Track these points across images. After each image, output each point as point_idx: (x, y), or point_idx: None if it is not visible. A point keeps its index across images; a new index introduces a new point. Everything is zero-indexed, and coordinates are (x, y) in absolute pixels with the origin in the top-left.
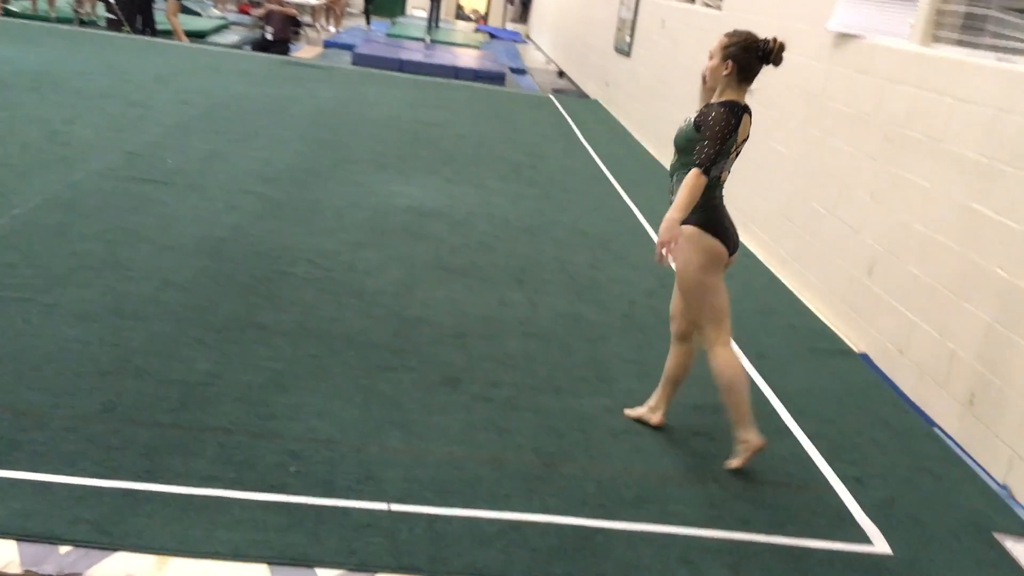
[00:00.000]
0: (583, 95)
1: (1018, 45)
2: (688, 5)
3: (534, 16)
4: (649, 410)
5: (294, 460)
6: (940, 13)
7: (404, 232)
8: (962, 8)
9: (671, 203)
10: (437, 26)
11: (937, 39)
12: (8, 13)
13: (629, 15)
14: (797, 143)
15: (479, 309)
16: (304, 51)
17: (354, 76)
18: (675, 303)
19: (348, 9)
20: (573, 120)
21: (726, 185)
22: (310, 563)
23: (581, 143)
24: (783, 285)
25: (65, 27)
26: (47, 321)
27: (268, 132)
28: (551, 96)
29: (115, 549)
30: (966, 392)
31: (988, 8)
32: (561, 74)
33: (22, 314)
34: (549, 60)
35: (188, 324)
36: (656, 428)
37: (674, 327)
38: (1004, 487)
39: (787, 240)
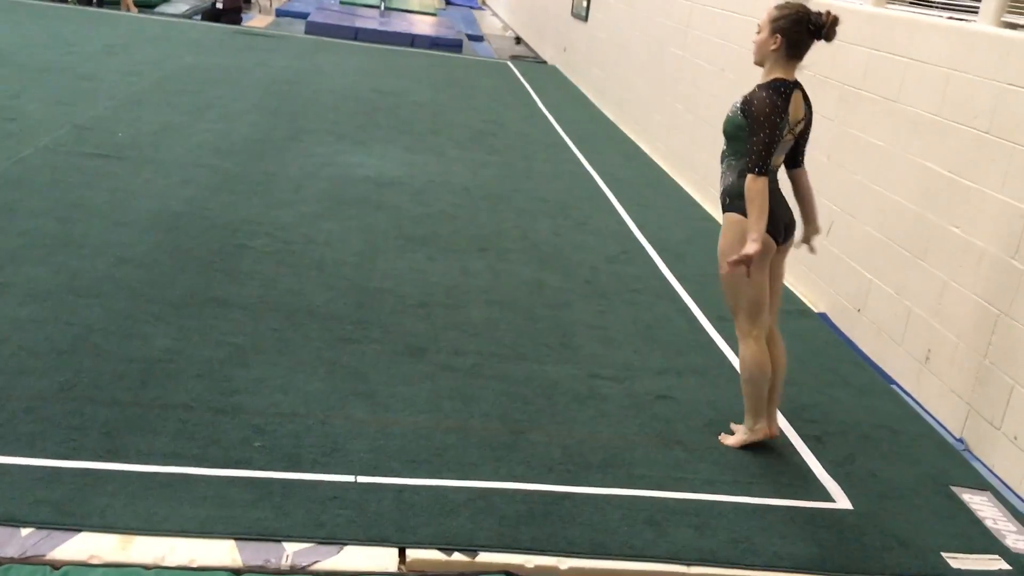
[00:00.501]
0: (541, 61)
1: (970, 4)
2: None
3: None
4: (759, 431)
5: (258, 435)
6: None
7: (364, 202)
8: None
9: (722, 189)
10: None
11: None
12: None
13: None
14: None
15: (442, 278)
16: (256, 20)
17: (308, 45)
18: (745, 287)
19: None
20: (532, 87)
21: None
22: (277, 537)
23: (540, 110)
24: None
25: None
26: None
27: (222, 103)
28: (509, 63)
29: (78, 529)
30: (922, 349)
31: None
32: (519, 40)
33: None
34: (506, 26)
35: (145, 300)
36: (772, 437)
37: (757, 320)
38: (960, 440)
39: None
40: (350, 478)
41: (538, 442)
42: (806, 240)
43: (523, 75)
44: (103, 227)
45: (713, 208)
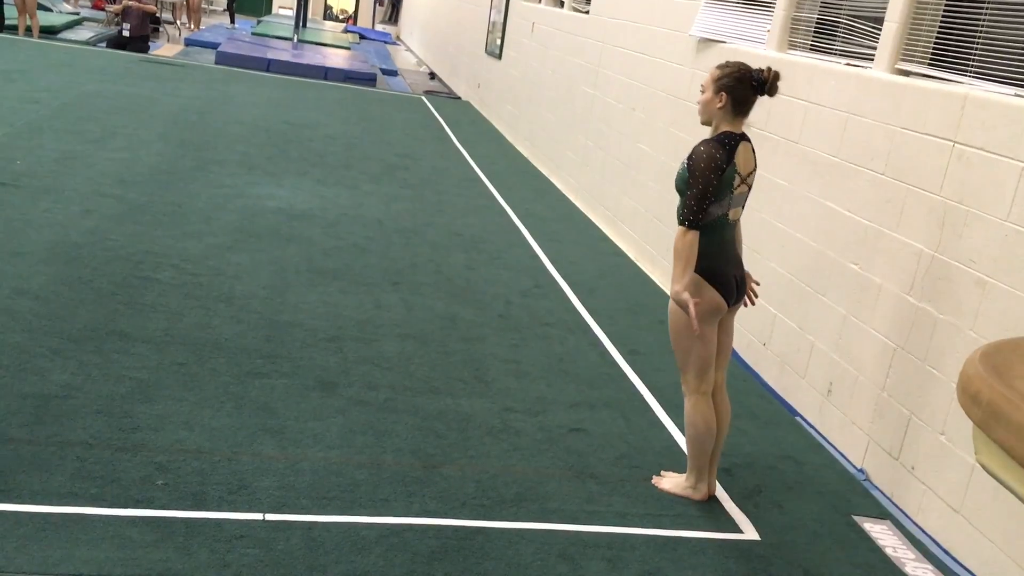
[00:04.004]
0: (455, 96)
1: (866, 51)
2: (557, 9)
3: (404, 17)
4: (699, 490)
5: (161, 473)
6: (794, 21)
7: (274, 235)
8: (814, 16)
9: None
10: (304, 26)
11: (792, 45)
12: None
13: (499, 18)
14: (663, 144)
15: (354, 312)
16: (164, 49)
17: (218, 75)
18: (690, 343)
19: (210, 7)
20: (445, 121)
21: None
22: None
23: (454, 144)
24: (653, 282)
25: None
26: None
27: (127, 132)
28: (423, 97)
29: None
30: (824, 382)
31: (838, 16)
32: (432, 76)
33: None
34: (420, 62)
35: (42, 334)
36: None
37: (704, 379)
38: (861, 471)
39: (656, 239)
40: (258, 516)
41: (451, 476)
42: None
43: (437, 110)
44: None
45: (624, 243)
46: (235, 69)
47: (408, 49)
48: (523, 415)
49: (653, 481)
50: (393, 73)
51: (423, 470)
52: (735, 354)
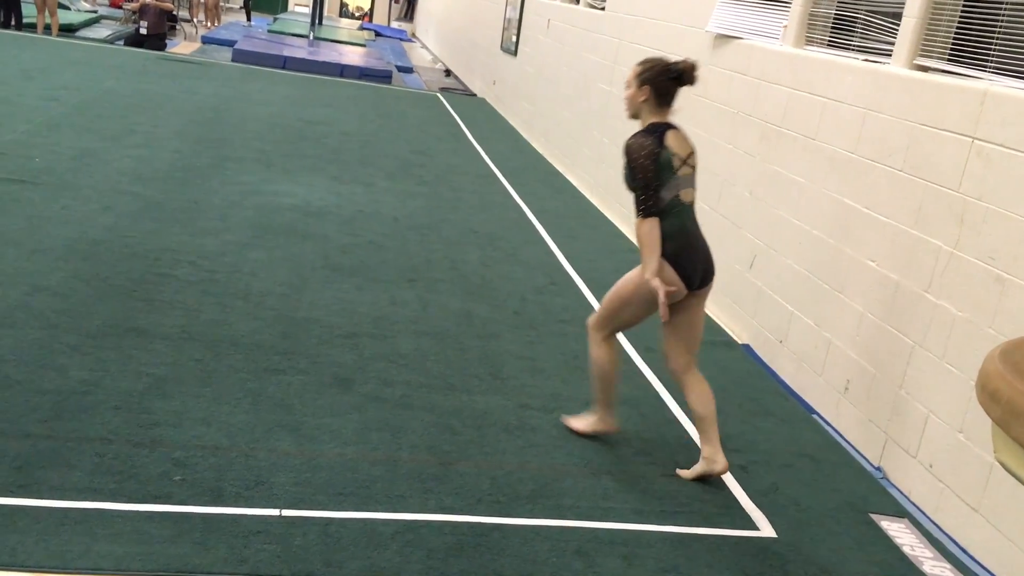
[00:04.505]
0: (470, 93)
1: (884, 47)
2: (572, 5)
3: (420, 14)
4: (707, 463)
5: (179, 468)
6: (812, 16)
7: (291, 232)
8: (832, 11)
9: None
10: (321, 23)
11: (809, 41)
12: None
13: (515, 15)
14: None
15: (370, 309)
16: (181, 47)
17: (235, 73)
18: (666, 346)
19: (226, 5)
20: (461, 118)
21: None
22: (198, 573)
23: (469, 141)
24: None
25: None
26: None
27: (144, 130)
28: (438, 94)
29: None
30: (842, 379)
31: (856, 12)
32: (448, 73)
33: None
34: (436, 59)
35: (61, 330)
36: (721, 472)
37: (673, 366)
38: (879, 469)
39: None
40: (275, 512)
41: (467, 473)
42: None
43: (453, 107)
44: (17, 255)
45: None
46: (252, 67)
47: (424, 46)
48: (539, 412)
49: (563, 419)
50: (409, 70)
51: (439, 467)
52: (748, 350)
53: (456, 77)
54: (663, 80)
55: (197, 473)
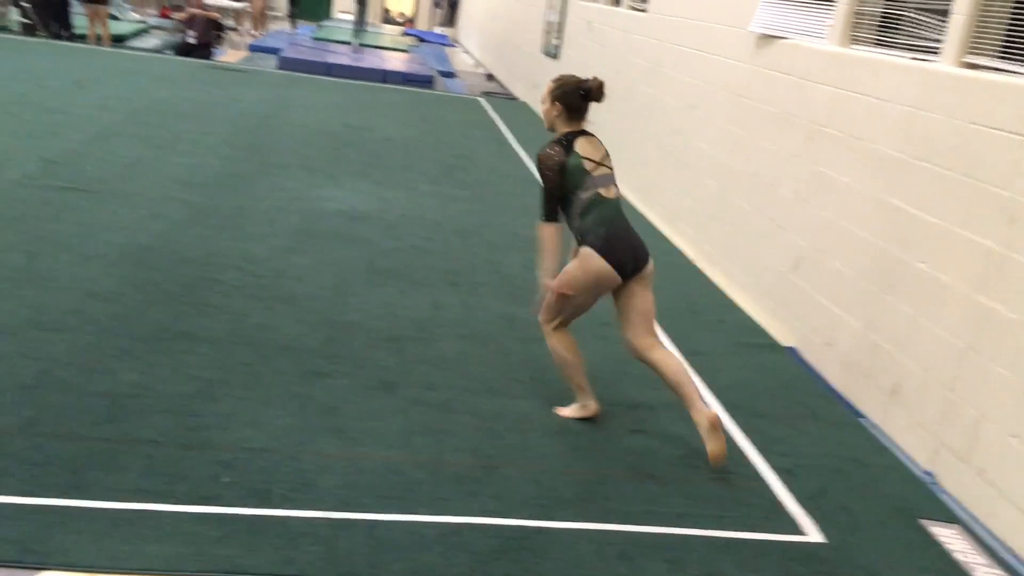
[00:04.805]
0: (512, 97)
1: (932, 44)
2: (614, 8)
3: (462, 19)
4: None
5: (227, 470)
6: (858, 14)
7: (335, 236)
8: (878, 9)
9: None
10: (364, 29)
11: (855, 39)
12: None
13: (556, 18)
14: (722, 142)
15: (413, 312)
16: (228, 55)
17: (280, 80)
18: (625, 333)
19: (272, 12)
20: (503, 122)
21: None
22: (246, 574)
23: (511, 145)
24: (711, 282)
25: None
26: None
27: (192, 137)
28: (480, 99)
29: (42, 568)
30: (890, 383)
31: (903, 9)
32: (490, 77)
33: None
34: (477, 63)
35: (113, 335)
36: (712, 422)
37: (638, 348)
38: (928, 474)
39: (714, 237)
40: (321, 514)
41: (510, 476)
42: None
43: (494, 111)
44: (70, 261)
45: (681, 241)
46: (297, 74)
47: (465, 51)
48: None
49: (556, 410)
50: (450, 75)
51: (482, 470)
52: (794, 353)
53: (498, 81)
54: (572, 97)
55: (245, 475)
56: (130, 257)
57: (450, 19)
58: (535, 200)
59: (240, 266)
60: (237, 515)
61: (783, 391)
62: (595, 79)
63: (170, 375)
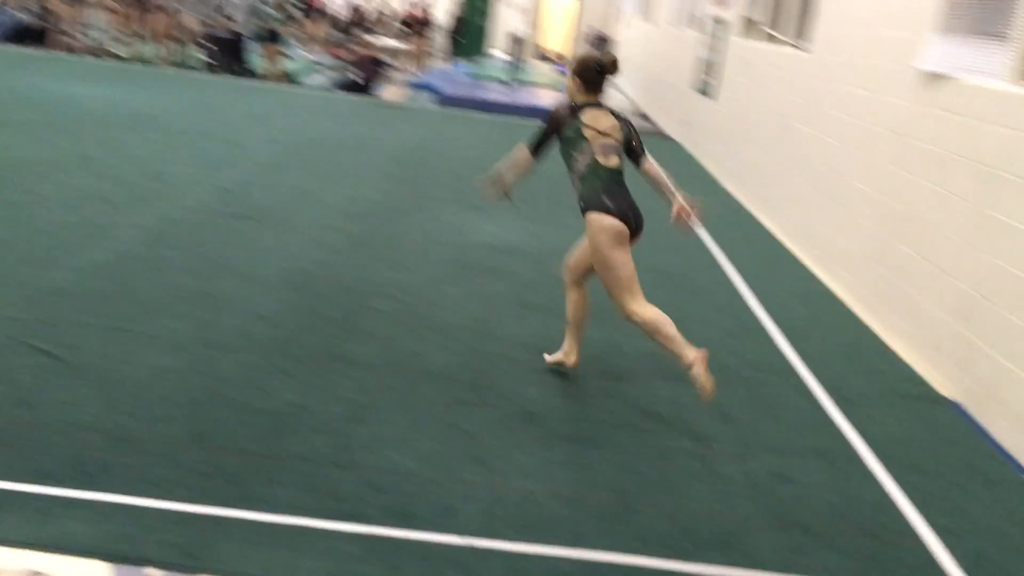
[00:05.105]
0: (662, 135)
1: None
2: (771, 46)
3: None
4: (564, 355)
5: (375, 491)
6: None
7: (485, 269)
8: None
9: (577, 200)
10: (519, 67)
11: None
12: (114, 57)
13: (711, 56)
14: (883, 183)
15: (558, 346)
16: (389, 92)
17: (437, 116)
18: (573, 257)
19: (432, 51)
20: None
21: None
22: None
23: None
24: (868, 328)
25: (164, 69)
26: (142, 350)
27: (353, 170)
28: None
29: (202, 573)
30: None
31: None
32: (643, 116)
33: (119, 343)
34: (628, 100)
35: (274, 355)
36: (574, 368)
37: (568, 277)
38: None
39: (872, 281)
40: (463, 541)
41: (652, 516)
42: (676, 216)
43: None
44: (239, 284)
45: (837, 285)
46: (453, 110)
47: (617, 88)
48: (726, 458)
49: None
50: None
51: (623, 507)
52: (957, 407)
53: (648, 119)
54: (589, 72)
55: (391, 497)
56: (292, 282)
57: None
58: (684, 239)
59: (393, 294)
60: (383, 536)
61: (944, 445)
62: (609, 54)
63: (325, 396)
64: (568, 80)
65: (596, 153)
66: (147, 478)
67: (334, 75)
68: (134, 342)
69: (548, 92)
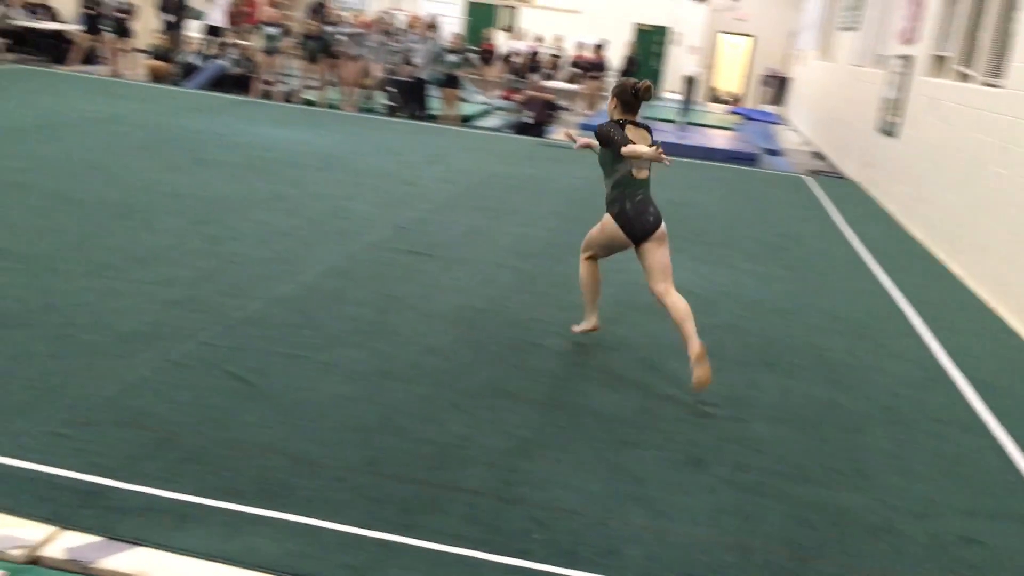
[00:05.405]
0: (841, 177)
1: None
2: (962, 84)
3: (791, 97)
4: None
5: (538, 527)
6: None
7: (652, 310)
8: None
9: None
10: (690, 108)
11: None
12: (307, 102)
13: (895, 94)
14: None
15: (726, 390)
16: (560, 133)
17: None
18: (648, 280)
19: (603, 93)
20: (829, 202)
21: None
22: None
23: (837, 226)
24: None
25: (350, 113)
26: (323, 377)
27: (525, 209)
28: (806, 177)
29: None
30: None
31: None
32: (818, 155)
33: (302, 370)
34: (805, 141)
35: (445, 388)
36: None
37: (655, 291)
38: None
39: None
40: None
41: (825, 572)
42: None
43: (821, 190)
44: (414, 318)
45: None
46: None
47: (793, 129)
48: (908, 517)
49: (572, 328)
50: (776, 153)
51: (794, 561)
52: None
53: (826, 159)
54: (627, 95)
55: (554, 534)
56: (463, 317)
57: (779, 97)
58: (864, 284)
59: (561, 332)
60: (546, 572)
61: None
62: (644, 82)
63: (492, 430)
64: (608, 103)
65: (632, 168)
66: (324, 500)
67: (507, 117)
68: (315, 370)
69: (718, 133)
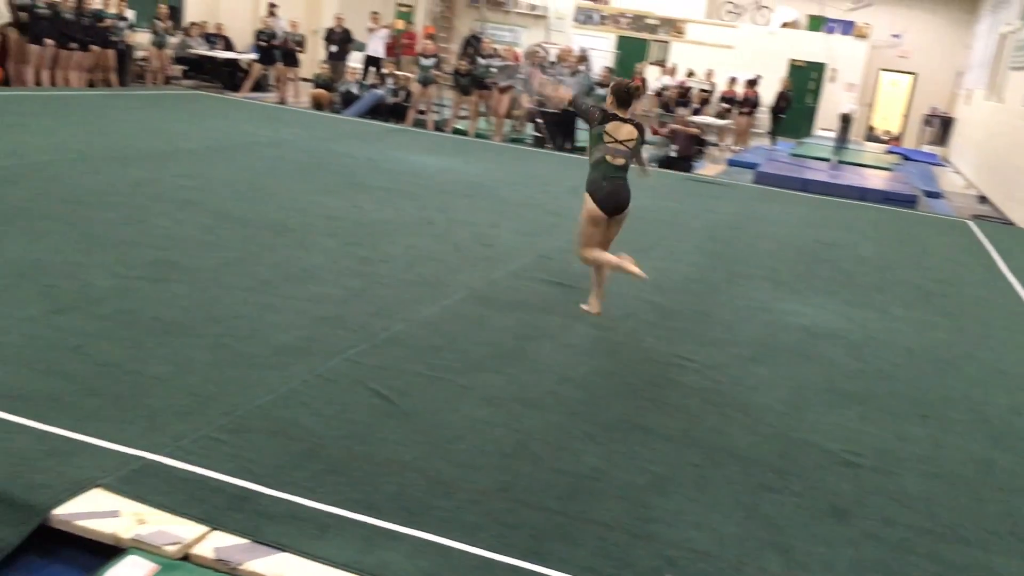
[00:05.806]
0: (1008, 222)
1: None
2: None
3: (955, 137)
4: (593, 308)
5: (669, 566)
6: None
7: (795, 352)
8: None
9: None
10: (845, 147)
11: None
12: (457, 132)
13: None
14: None
15: (874, 441)
16: (707, 168)
17: (754, 193)
18: (579, 227)
19: (754, 130)
20: (995, 249)
21: None
22: None
23: (1003, 274)
24: None
25: (499, 143)
26: (461, 400)
27: (666, 244)
28: (969, 222)
29: None
30: None
31: None
32: (983, 199)
33: (442, 392)
34: (969, 184)
35: (580, 418)
36: (598, 315)
37: (589, 255)
38: None
39: None
40: None
41: None
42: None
43: (985, 236)
44: (552, 347)
45: None
46: (772, 188)
47: (956, 171)
48: None
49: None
50: (936, 195)
51: None
52: None
53: (992, 204)
54: (621, 93)
55: (687, 574)
56: (603, 349)
57: (941, 137)
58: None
59: (699, 369)
60: None
61: None
62: (637, 80)
63: (626, 464)
64: (607, 95)
65: (607, 153)
66: (458, 521)
67: (653, 151)
68: (455, 392)
69: (874, 173)
